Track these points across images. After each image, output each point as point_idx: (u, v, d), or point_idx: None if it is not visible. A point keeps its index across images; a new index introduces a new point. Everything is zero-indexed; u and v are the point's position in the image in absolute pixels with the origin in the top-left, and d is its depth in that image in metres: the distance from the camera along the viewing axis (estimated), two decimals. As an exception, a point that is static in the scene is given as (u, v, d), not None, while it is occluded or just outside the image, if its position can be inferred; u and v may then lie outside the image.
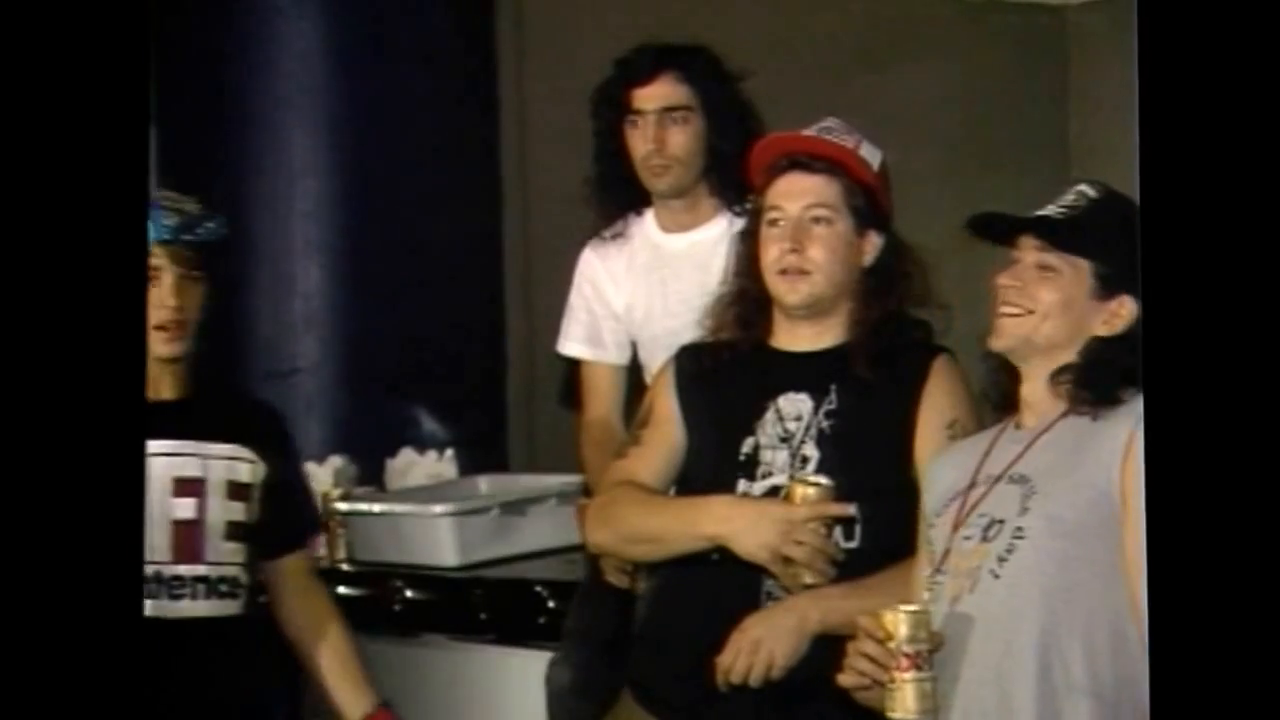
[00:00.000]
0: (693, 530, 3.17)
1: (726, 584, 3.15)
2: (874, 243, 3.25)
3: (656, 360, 3.75)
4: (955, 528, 2.86)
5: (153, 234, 3.30)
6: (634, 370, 3.96)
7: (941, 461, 3.01)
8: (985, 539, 2.81)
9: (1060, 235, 2.86)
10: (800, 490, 3.09)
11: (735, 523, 3.11)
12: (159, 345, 3.35)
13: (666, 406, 3.33)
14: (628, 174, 3.85)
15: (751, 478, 3.19)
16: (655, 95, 3.80)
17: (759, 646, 3.07)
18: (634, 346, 3.94)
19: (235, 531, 3.39)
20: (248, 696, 3.44)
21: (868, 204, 3.23)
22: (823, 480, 3.10)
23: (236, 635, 3.40)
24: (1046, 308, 2.85)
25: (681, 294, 3.78)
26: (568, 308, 3.99)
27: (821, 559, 3.07)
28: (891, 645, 2.70)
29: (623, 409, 3.95)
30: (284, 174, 4.30)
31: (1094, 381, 2.83)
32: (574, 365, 4.02)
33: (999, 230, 2.91)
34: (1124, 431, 2.75)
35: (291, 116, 4.29)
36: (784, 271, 3.21)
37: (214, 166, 4.32)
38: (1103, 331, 2.85)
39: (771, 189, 3.25)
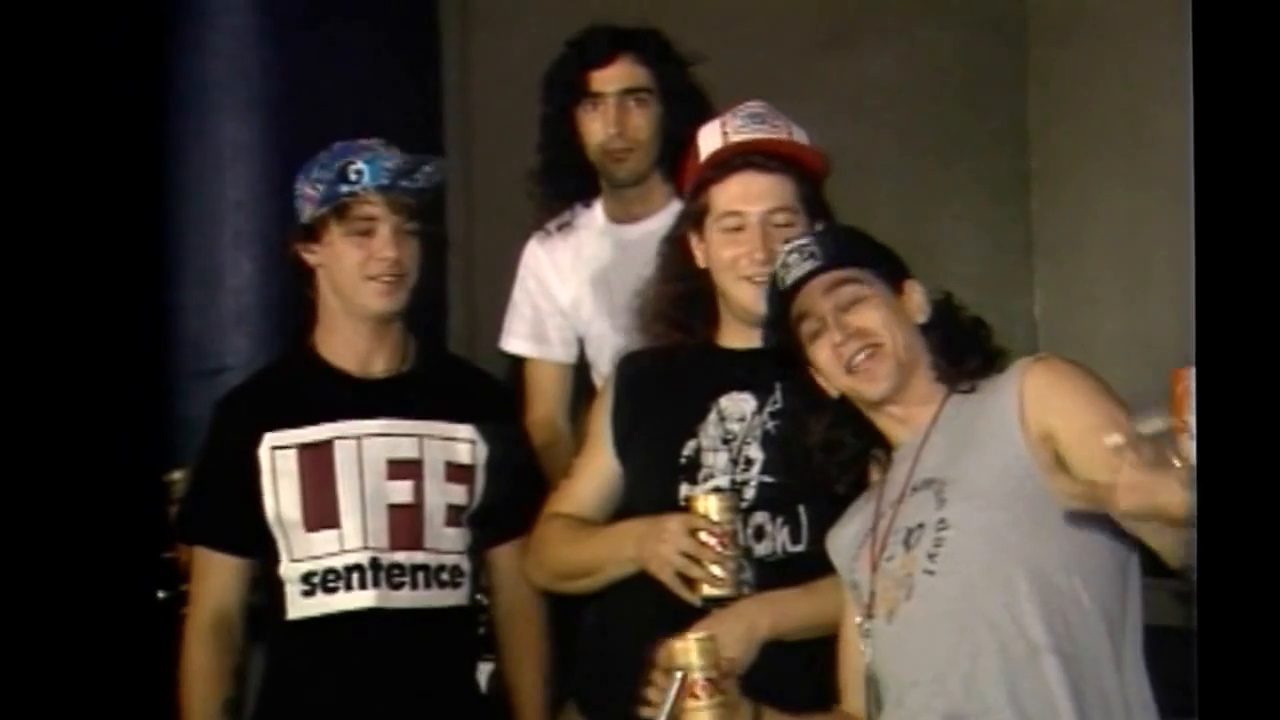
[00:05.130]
0: (619, 555, 3.13)
1: (672, 593, 3.06)
2: None
3: (604, 357, 3.74)
4: (874, 567, 2.85)
5: (369, 179, 3.19)
6: (581, 368, 3.91)
7: (837, 530, 2.99)
8: (908, 547, 2.81)
9: (838, 258, 2.92)
10: (702, 501, 3.03)
11: (644, 541, 3.06)
12: (374, 299, 3.23)
13: (598, 429, 3.28)
14: (578, 161, 3.81)
15: (694, 481, 3.12)
16: (615, 77, 3.76)
17: None
18: (580, 343, 3.89)
19: (455, 517, 3.26)
20: (473, 692, 3.33)
21: (815, 195, 3.18)
22: (723, 491, 3.06)
23: (461, 627, 3.28)
24: (885, 326, 2.89)
25: (631, 288, 3.65)
26: (511, 303, 3.93)
27: (720, 570, 2.99)
28: (679, 675, 2.76)
29: (569, 408, 3.91)
30: (212, 160, 4.14)
31: (957, 355, 2.91)
32: (518, 363, 3.94)
33: (785, 322, 2.94)
34: (1011, 402, 2.78)
35: (221, 98, 4.15)
36: (752, 279, 3.14)
37: (135, 151, 4.09)
38: (920, 319, 2.93)
39: (721, 190, 3.17)
